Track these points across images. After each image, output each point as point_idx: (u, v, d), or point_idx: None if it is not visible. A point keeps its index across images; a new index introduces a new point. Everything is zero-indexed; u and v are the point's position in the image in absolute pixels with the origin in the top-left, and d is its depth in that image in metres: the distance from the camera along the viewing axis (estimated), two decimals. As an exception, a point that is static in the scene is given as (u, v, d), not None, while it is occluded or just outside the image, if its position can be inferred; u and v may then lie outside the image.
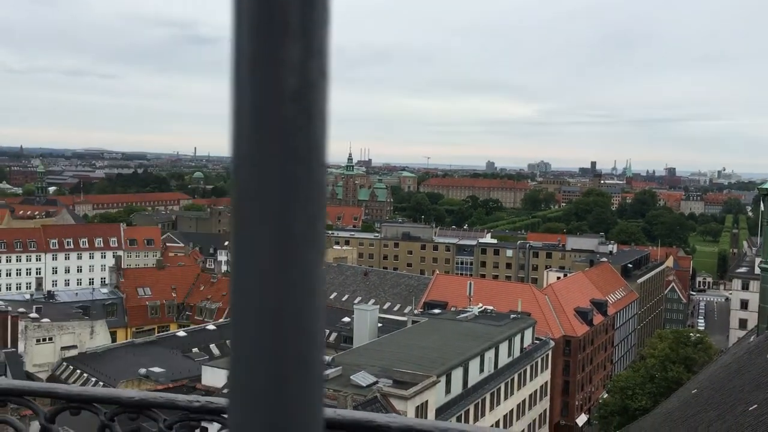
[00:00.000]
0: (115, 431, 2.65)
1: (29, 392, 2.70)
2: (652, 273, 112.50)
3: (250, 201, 0.75)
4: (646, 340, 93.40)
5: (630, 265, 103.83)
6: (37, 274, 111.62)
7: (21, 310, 68.24)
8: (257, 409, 0.78)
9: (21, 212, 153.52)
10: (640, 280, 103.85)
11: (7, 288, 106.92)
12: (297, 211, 0.74)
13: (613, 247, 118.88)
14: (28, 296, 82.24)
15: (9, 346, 60.49)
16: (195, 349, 59.64)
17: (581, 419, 79.20)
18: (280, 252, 0.75)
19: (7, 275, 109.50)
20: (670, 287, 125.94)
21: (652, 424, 25.08)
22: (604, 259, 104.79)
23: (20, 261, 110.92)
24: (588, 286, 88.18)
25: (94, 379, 53.75)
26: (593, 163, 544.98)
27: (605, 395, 73.26)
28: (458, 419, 50.90)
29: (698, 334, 71.18)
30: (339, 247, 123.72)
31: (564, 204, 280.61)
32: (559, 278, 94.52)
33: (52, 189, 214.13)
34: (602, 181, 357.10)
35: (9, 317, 63.89)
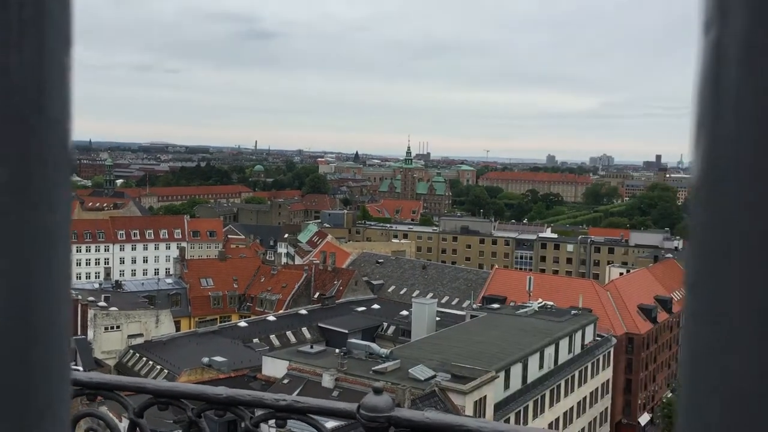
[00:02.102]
0: (202, 427, 2.68)
1: (119, 386, 2.75)
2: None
3: None
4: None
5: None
6: (105, 264, 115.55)
7: (90, 298, 70.66)
8: None
9: (90, 204, 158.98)
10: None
11: (77, 277, 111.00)
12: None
13: (679, 243, 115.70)
14: (97, 285, 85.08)
15: (79, 333, 62.76)
16: (255, 340, 60.67)
17: (644, 418, 77.45)
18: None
19: (77, 265, 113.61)
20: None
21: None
22: (670, 255, 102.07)
23: (89, 251, 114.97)
24: (652, 283, 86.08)
25: (159, 367, 55.31)
26: (658, 157, 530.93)
27: (669, 394, 71.48)
28: (517, 416, 50.46)
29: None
30: (397, 241, 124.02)
31: (627, 198, 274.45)
32: (621, 274, 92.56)
33: (119, 182, 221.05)
34: (668, 175, 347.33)
35: (79, 305, 66.30)
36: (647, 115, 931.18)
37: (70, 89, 0.71)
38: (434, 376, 43.29)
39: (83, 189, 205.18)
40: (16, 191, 0.67)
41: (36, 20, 0.64)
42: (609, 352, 66.72)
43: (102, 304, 68.64)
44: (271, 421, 2.63)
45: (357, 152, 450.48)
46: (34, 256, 0.68)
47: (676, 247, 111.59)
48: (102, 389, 2.75)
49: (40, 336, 0.67)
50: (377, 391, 2.49)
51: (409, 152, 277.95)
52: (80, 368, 43.50)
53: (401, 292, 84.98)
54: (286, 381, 44.00)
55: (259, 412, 2.64)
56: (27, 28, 0.64)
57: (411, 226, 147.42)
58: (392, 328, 66.91)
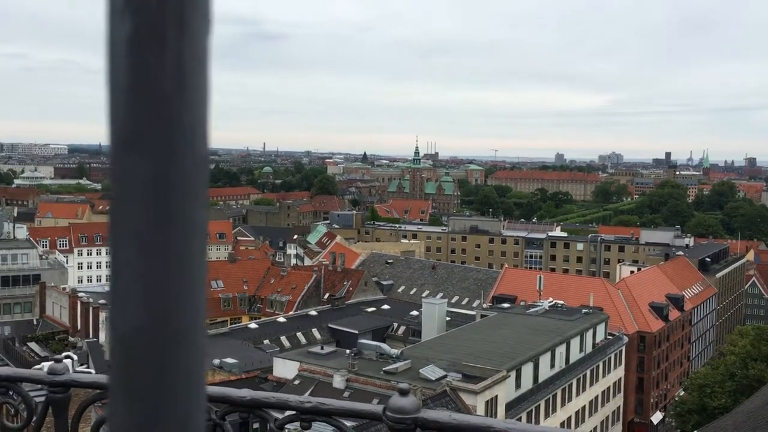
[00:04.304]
0: (226, 430, 2.67)
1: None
2: (732, 267, 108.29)
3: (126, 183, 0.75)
4: (725, 336, 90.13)
5: (708, 259, 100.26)
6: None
7: (102, 301, 70.96)
8: (139, 387, 0.76)
9: (101, 207, 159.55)
10: (718, 275, 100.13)
11: (88, 280, 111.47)
12: (175, 191, 0.74)
13: (689, 241, 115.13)
14: (107, 288, 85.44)
15: (91, 336, 63.04)
16: (266, 341, 60.70)
17: (656, 417, 77.08)
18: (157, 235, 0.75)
19: (87, 268, 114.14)
20: (750, 282, 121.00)
21: (733, 423, 24.16)
22: (680, 253, 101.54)
23: (100, 254, 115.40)
24: (663, 281, 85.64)
25: (171, 369, 55.37)
26: (668, 154, 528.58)
27: (682, 393, 71.10)
28: (528, 415, 50.31)
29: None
30: (406, 241, 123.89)
31: (637, 196, 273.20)
32: (632, 272, 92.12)
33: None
34: (678, 173, 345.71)
35: (91, 308, 66.63)
36: (656, 112, 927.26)
37: (210, 87, 0.77)
38: (445, 376, 43.21)
39: (94, 192, 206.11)
40: (161, 187, 0.72)
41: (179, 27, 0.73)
42: (620, 351, 66.42)
43: (113, 306, 68.83)
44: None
45: (365, 153, 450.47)
46: (177, 250, 0.72)
47: (687, 245, 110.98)
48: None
49: (183, 332, 0.72)
50: (403, 393, 2.47)
51: (417, 152, 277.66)
52: (92, 371, 43.67)
53: (411, 293, 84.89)
54: (297, 382, 44.03)
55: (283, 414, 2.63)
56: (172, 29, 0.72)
57: (420, 226, 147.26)
58: (402, 329, 66.85)
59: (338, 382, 42.32)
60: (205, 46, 0.76)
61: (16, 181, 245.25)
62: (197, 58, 0.75)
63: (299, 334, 63.91)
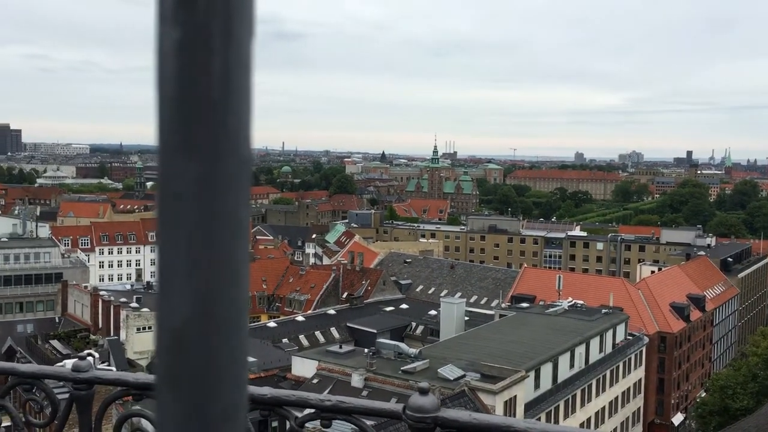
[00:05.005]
0: (249, 427, 2.68)
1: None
2: (755, 267, 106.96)
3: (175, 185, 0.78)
4: (747, 337, 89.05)
5: (730, 259, 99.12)
6: (136, 265, 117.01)
7: (123, 299, 71.62)
8: (185, 383, 0.78)
9: (122, 206, 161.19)
10: (741, 275, 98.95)
11: (109, 278, 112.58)
12: (221, 196, 0.77)
13: (711, 240, 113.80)
14: (129, 286, 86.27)
15: (112, 334, 63.64)
16: (285, 340, 60.94)
17: (677, 418, 76.36)
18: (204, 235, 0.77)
19: (109, 266, 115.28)
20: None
21: (756, 425, 23.91)
22: (702, 253, 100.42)
23: (121, 253, 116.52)
24: (684, 281, 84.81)
25: (190, 367, 55.74)
26: (689, 153, 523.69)
27: (703, 394, 70.38)
28: (548, 415, 50.07)
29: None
30: (425, 240, 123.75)
31: (658, 195, 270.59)
32: (653, 272, 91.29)
33: (149, 184, 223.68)
34: (699, 172, 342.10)
35: (112, 306, 67.25)
36: (677, 111, 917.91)
37: (253, 91, 0.80)
38: (464, 376, 43.11)
39: (114, 192, 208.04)
40: (207, 188, 0.76)
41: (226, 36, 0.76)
42: (641, 351, 65.87)
43: (134, 305, 69.51)
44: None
45: (383, 152, 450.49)
46: (223, 247, 0.75)
47: (708, 245, 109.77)
48: (149, 389, 2.79)
49: (229, 325, 0.74)
50: (423, 392, 2.48)
51: (435, 151, 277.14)
52: (113, 368, 44.10)
53: (429, 292, 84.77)
54: (315, 381, 44.15)
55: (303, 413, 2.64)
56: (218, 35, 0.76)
57: (438, 226, 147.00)
58: (421, 328, 66.80)
59: (356, 381, 42.38)
60: (248, 51, 0.79)
61: (39, 181, 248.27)
62: (242, 63, 0.78)
63: (318, 333, 64.08)
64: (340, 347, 51.25)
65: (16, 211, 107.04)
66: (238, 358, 0.76)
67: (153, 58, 0.78)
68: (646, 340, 66.97)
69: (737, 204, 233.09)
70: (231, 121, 0.77)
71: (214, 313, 0.74)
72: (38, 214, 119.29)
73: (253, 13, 0.80)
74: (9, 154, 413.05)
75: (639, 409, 67.64)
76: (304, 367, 47.96)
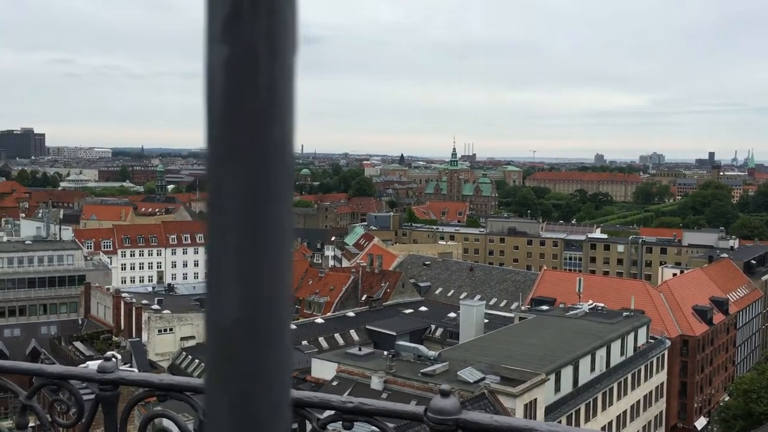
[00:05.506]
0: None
1: (189, 388, 2.82)
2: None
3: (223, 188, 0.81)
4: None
5: (753, 262, 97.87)
6: (158, 268, 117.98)
7: (144, 301, 72.30)
8: (231, 380, 0.81)
9: (143, 209, 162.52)
10: (765, 277, 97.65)
11: (131, 281, 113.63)
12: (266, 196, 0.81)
13: (734, 243, 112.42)
14: (150, 289, 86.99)
15: (134, 335, 64.25)
16: (304, 342, 61.09)
17: (700, 422, 75.51)
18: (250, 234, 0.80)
19: (131, 269, 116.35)
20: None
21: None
22: (725, 255, 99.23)
23: (143, 255, 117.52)
24: (707, 284, 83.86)
25: (211, 369, 56.01)
26: (711, 154, 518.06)
27: (726, 398, 69.55)
28: (568, 419, 49.72)
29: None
30: (444, 243, 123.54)
31: (679, 197, 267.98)
32: (675, 275, 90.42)
33: (170, 187, 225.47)
34: (721, 173, 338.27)
35: (134, 308, 67.90)
36: (699, 112, 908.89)
37: (296, 102, 0.84)
38: (483, 379, 42.94)
39: (136, 195, 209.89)
40: (254, 195, 0.79)
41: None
42: (663, 355, 65.22)
43: (155, 307, 70.12)
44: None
45: (402, 154, 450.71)
46: (269, 252, 0.78)
47: (731, 247, 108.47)
48: (173, 390, 2.83)
49: (275, 326, 0.77)
50: (445, 394, 2.49)
51: (454, 153, 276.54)
52: (135, 370, 44.52)
53: (449, 294, 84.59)
54: (335, 383, 44.21)
55: (325, 414, 2.67)
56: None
57: (457, 228, 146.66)
58: (440, 330, 66.66)
59: (376, 383, 42.38)
60: (292, 65, 0.83)
61: (62, 184, 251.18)
62: (286, 76, 0.82)
63: (337, 335, 64.18)
64: (360, 349, 51.29)
65: (40, 214, 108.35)
66: (284, 357, 0.79)
67: (202, 73, 0.82)
68: (668, 343, 66.30)
69: (761, 206, 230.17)
70: (277, 132, 0.81)
71: (261, 314, 0.77)
72: (61, 217, 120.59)
73: (296, 29, 0.83)
74: (33, 158, 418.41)
75: (661, 412, 66.97)
76: (323, 370, 48.07)
